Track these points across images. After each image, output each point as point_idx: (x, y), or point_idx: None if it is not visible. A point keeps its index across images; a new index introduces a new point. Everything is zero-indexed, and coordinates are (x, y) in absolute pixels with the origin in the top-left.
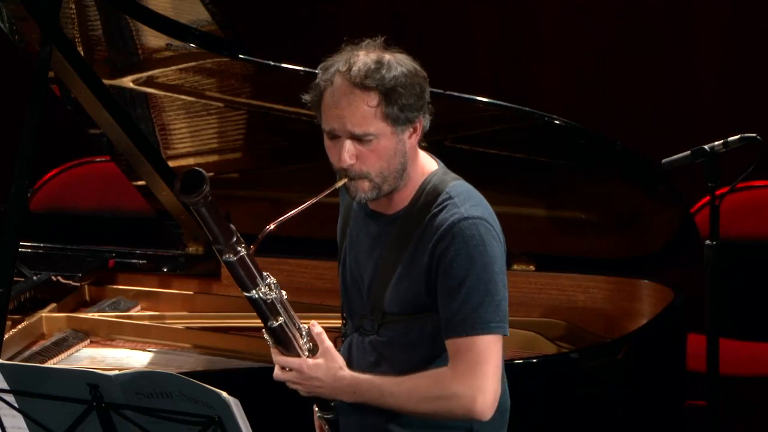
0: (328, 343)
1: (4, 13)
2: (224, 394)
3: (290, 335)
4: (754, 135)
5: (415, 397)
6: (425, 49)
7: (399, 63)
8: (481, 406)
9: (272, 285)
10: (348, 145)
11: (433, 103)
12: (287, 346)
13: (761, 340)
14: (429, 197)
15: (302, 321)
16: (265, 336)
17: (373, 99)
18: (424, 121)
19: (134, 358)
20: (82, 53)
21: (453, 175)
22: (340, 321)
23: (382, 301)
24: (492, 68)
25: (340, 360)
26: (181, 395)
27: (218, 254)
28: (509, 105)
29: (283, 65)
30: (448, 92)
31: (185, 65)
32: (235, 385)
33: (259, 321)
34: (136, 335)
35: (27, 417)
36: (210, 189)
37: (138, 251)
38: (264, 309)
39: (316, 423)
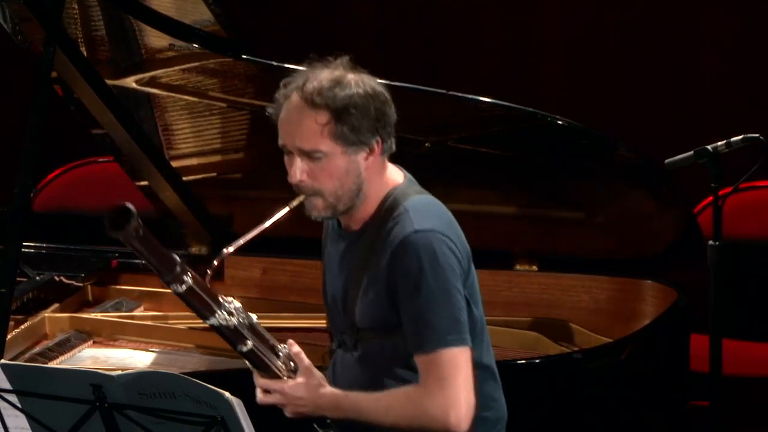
0: (307, 362)
1: (7, 13)
2: (227, 394)
3: (264, 359)
4: (757, 135)
5: (392, 416)
6: (428, 49)
7: (358, 84)
8: (456, 419)
9: (234, 310)
10: (298, 162)
11: (436, 103)
12: (264, 370)
13: (764, 341)
14: (387, 212)
15: (280, 342)
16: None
17: (323, 117)
18: (385, 145)
19: (137, 359)
20: (85, 53)
21: (417, 188)
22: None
23: (354, 317)
24: (495, 68)
25: (319, 376)
26: (184, 395)
27: (167, 286)
28: (512, 105)
29: (286, 65)
30: (451, 92)
31: (188, 65)
32: (237, 386)
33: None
34: (138, 335)
35: (30, 417)
36: (140, 223)
37: None
38: (228, 335)
39: None
